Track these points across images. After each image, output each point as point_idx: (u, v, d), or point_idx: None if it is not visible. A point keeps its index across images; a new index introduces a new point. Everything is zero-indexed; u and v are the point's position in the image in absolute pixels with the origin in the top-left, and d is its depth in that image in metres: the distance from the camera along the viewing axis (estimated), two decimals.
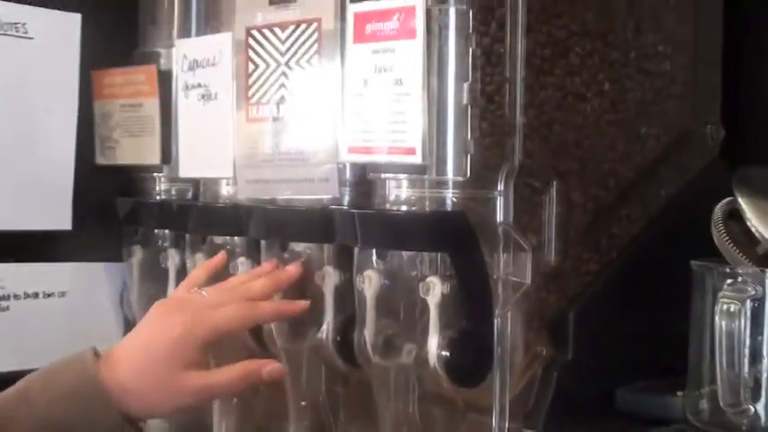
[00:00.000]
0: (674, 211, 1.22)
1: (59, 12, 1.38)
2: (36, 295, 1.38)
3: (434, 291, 1.01)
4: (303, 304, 1.08)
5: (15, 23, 1.34)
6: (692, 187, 1.24)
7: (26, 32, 1.35)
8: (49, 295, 1.38)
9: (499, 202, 1.05)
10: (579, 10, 1.12)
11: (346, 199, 1.13)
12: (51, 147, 1.38)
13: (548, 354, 1.10)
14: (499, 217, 1.05)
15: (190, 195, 1.36)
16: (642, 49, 1.19)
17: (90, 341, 1.38)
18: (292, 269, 1.12)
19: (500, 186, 1.05)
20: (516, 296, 1.06)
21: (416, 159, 1.00)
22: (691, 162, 1.26)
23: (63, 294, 1.40)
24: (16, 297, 1.36)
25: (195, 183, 1.34)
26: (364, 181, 1.11)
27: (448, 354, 1.01)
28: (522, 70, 1.06)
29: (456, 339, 1.01)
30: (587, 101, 1.13)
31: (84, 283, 1.40)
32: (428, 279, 1.01)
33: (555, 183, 1.10)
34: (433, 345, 1.02)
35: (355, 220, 1.05)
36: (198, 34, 1.35)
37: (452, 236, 1.00)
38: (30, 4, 1.35)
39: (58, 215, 1.39)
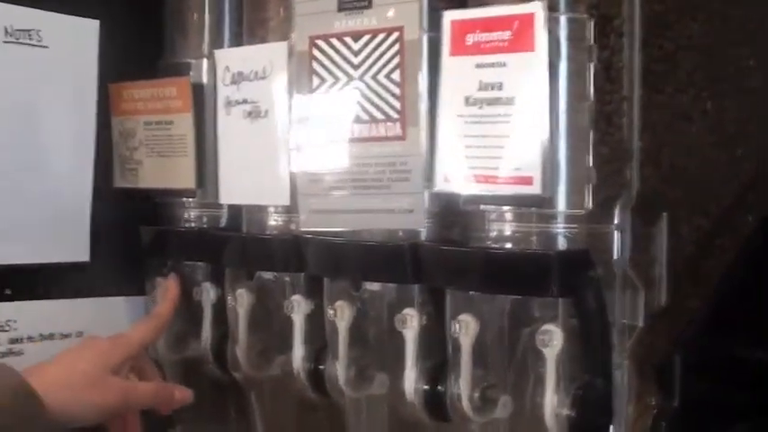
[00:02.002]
0: (764, 237, 1.06)
1: (76, 18, 1.18)
2: (51, 336, 1.18)
3: (554, 341, 0.84)
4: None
5: (29, 30, 1.14)
6: None
7: (40, 40, 1.15)
8: (65, 336, 1.18)
9: (616, 237, 0.88)
10: (687, 21, 0.96)
11: (424, 233, 0.94)
12: (67, 168, 1.19)
13: (656, 403, 0.94)
14: (615, 254, 0.88)
15: (223, 223, 1.16)
16: (739, 63, 1.03)
17: None
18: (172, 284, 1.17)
19: (616, 219, 0.88)
20: (631, 342, 0.89)
21: (535, 190, 0.83)
22: None
23: (80, 334, 1.20)
24: (30, 339, 1.16)
25: (231, 210, 1.14)
26: (448, 213, 0.94)
27: (573, 413, 0.83)
28: (639, 88, 0.89)
29: (581, 397, 0.84)
30: (693, 121, 0.97)
31: (103, 321, 1.21)
32: (545, 328, 0.84)
33: (666, 213, 0.93)
34: (552, 402, 0.84)
35: (454, 259, 0.87)
36: (231, 44, 1.16)
37: (579, 279, 0.83)
38: (44, 8, 1.14)
39: (74, 246, 1.19)
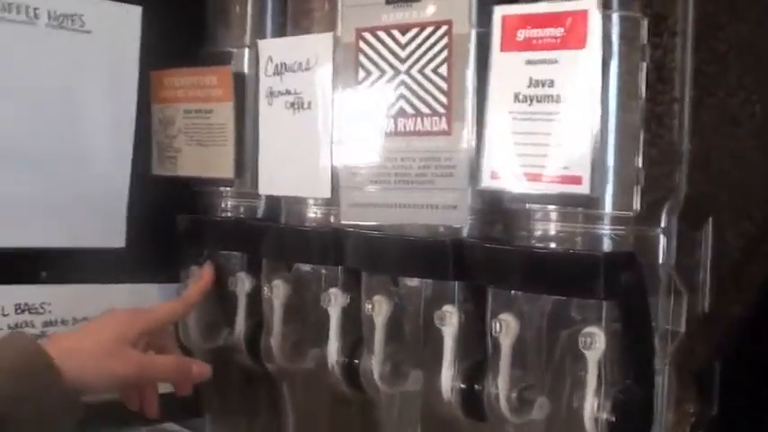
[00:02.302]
0: None
1: (119, 4, 1.17)
2: (85, 320, 1.16)
3: (596, 344, 0.82)
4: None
5: (71, 15, 1.13)
6: None
7: (83, 25, 1.14)
8: None
9: (662, 241, 0.86)
10: (737, 22, 0.93)
11: (465, 230, 0.93)
12: (106, 154, 1.18)
13: (695, 410, 0.92)
14: (661, 257, 0.86)
15: (260, 214, 1.15)
16: None
17: None
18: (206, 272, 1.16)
19: (663, 222, 0.86)
20: (672, 347, 0.87)
21: (583, 189, 0.81)
22: None
23: None
24: (64, 323, 1.16)
25: (269, 201, 1.13)
26: (491, 210, 0.93)
27: (613, 418, 0.82)
28: (691, 89, 0.87)
29: (622, 401, 0.82)
30: (740, 125, 0.95)
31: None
32: (588, 330, 0.82)
33: (711, 218, 0.91)
34: (592, 406, 0.83)
35: (498, 257, 0.86)
36: (273, 34, 1.15)
37: (625, 282, 0.81)
38: None
39: (110, 231, 1.19)
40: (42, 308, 1.15)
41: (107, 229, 1.18)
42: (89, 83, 1.16)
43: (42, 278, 1.16)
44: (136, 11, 1.18)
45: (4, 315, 1.13)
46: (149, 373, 1.06)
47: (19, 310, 1.14)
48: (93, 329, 1.04)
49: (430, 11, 0.92)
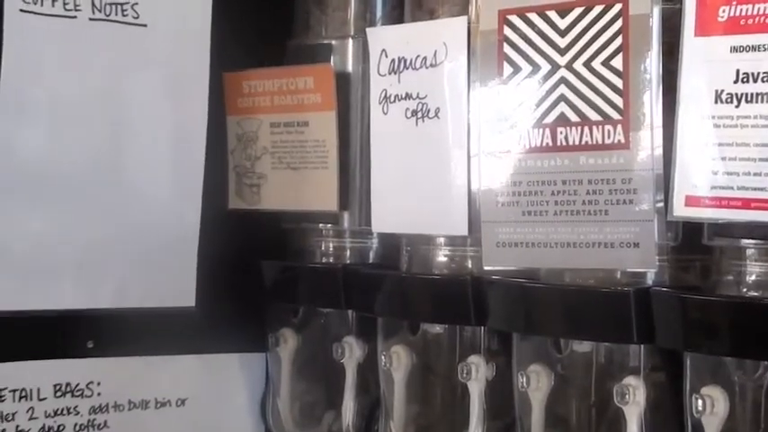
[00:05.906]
0: None
1: None
2: (145, 405, 1.22)
3: None
4: None
5: (122, 4, 1.17)
6: None
7: (136, 17, 1.19)
8: (162, 404, 1.22)
9: None
10: None
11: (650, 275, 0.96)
12: (168, 184, 1.22)
13: None
14: None
15: (372, 258, 1.19)
16: None
17: None
18: None
19: None
20: None
21: None
22: None
23: (182, 402, 1.24)
24: (117, 407, 1.19)
25: (384, 241, 1.19)
26: (685, 248, 0.96)
27: None
28: None
29: None
30: None
31: (212, 385, 1.25)
32: None
33: None
34: None
35: (703, 312, 0.88)
36: (386, 20, 1.19)
37: None
38: None
39: (175, 286, 1.23)
40: (89, 389, 1.19)
41: (171, 283, 1.23)
42: (145, 91, 1.20)
43: (88, 350, 1.20)
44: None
45: (41, 399, 1.17)
46: None
47: (59, 393, 1.18)
48: None
49: None
